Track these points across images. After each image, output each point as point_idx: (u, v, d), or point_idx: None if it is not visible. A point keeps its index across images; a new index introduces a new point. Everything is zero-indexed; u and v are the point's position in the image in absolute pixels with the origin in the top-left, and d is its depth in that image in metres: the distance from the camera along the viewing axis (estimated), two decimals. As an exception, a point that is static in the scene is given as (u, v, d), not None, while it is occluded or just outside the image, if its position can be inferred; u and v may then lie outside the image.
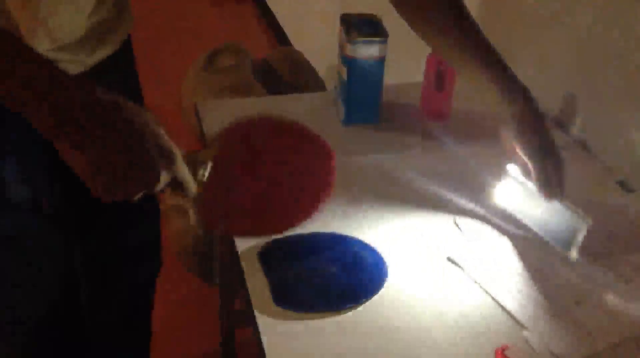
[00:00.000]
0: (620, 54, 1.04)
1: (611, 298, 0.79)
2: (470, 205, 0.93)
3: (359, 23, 1.05)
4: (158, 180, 0.66)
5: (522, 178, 0.89)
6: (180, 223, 1.81)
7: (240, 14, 3.71)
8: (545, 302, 0.79)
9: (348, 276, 0.83)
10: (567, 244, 0.84)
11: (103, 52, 0.86)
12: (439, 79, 1.11)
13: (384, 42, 1.03)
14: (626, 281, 0.82)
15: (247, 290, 0.81)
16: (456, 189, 0.96)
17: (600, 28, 1.08)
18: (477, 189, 0.98)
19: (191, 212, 1.76)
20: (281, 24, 3.34)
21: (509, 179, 0.91)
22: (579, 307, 0.78)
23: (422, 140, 1.10)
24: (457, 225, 0.90)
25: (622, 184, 1.02)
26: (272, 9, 3.50)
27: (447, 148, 1.09)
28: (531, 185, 0.87)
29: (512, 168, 0.90)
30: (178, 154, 0.68)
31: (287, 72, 2.28)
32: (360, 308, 0.78)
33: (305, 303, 0.79)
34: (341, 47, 1.06)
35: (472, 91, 0.92)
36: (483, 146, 1.09)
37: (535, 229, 0.88)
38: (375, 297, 0.80)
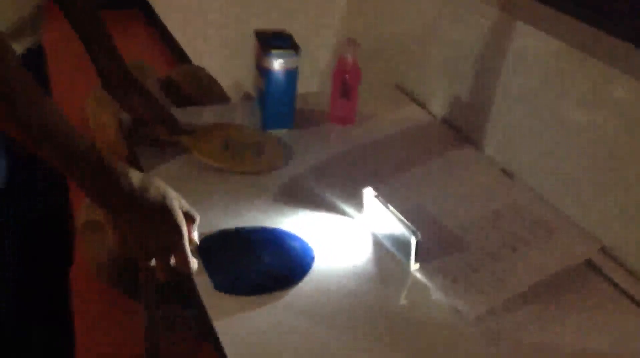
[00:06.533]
0: (486, 66, 1.22)
1: (501, 264, 0.95)
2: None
3: (272, 38, 1.16)
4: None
5: (374, 199, 0.97)
6: (95, 239, 1.83)
7: (136, 35, 3.73)
8: (448, 267, 0.93)
9: (279, 264, 0.93)
10: (407, 256, 0.93)
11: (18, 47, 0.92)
12: (344, 87, 1.24)
13: (297, 54, 1.15)
14: (512, 249, 0.98)
15: (192, 281, 0.89)
16: (364, 183, 1.08)
17: (473, 38, 1.25)
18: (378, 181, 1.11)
19: (107, 227, 1.79)
20: (181, 44, 3.40)
21: (367, 200, 1.00)
22: (476, 273, 0.93)
23: (330, 142, 1.23)
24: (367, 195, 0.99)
25: (504, 171, 1.20)
26: (171, 32, 3.55)
27: (352, 148, 1.22)
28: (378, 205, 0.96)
29: (368, 191, 0.99)
30: (184, 228, 0.86)
31: (194, 88, 2.35)
32: (292, 290, 0.88)
33: (243, 288, 0.88)
34: (257, 60, 1.17)
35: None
36: (383, 145, 1.24)
37: (385, 243, 0.98)
38: (306, 279, 0.90)
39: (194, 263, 0.87)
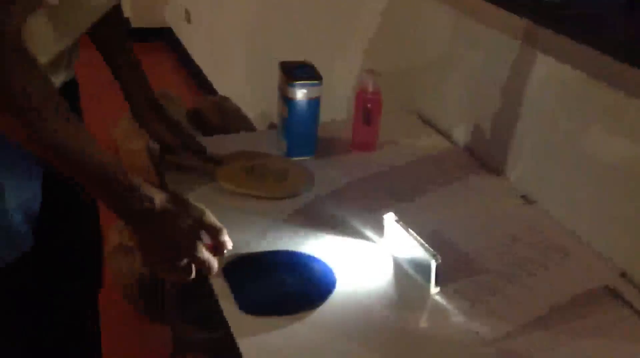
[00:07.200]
0: (512, 91, 1.24)
1: (519, 288, 0.96)
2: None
3: (296, 68, 1.20)
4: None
5: (395, 224, 1.00)
6: (124, 262, 1.88)
7: (163, 67, 3.83)
8: (466, 291, 0.95)
9: (302, 286, 0.96)
10: (427, 280, 0.94)
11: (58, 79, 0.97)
12: (366, 114, 1.27)
13: (319, 84, 1.19)
14: (530, 273, 0.99)
15: (217, 302, 0.92)
16: (385, 208, 1.10)
17: (493, 67, 1.28)
18: (404, 206, 1.14)
19: (136, 251, 1.83)
20: (207, 75, 3.48)
21: (388, 224, 1.02)
22: (494, 297, 0.94)
23: (352, 168, 1.26)
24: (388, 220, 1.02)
25: (524, 198, 1.21)
26: (197, 63, 3.63)
27: (374, 174, 1.25)
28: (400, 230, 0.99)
29: (389, 216, 1.01)
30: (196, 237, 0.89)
31: (220, 119, 2.41)
32: (315, 312, 0.91)
33: (267, 309, 0.90)
34: (281, 90, 1.21)
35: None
36: (403, 171, 1.27)
37: (406, 266, 1.00)
38: (328, 301, 0.92)
39: (213, 265, 0.90)
